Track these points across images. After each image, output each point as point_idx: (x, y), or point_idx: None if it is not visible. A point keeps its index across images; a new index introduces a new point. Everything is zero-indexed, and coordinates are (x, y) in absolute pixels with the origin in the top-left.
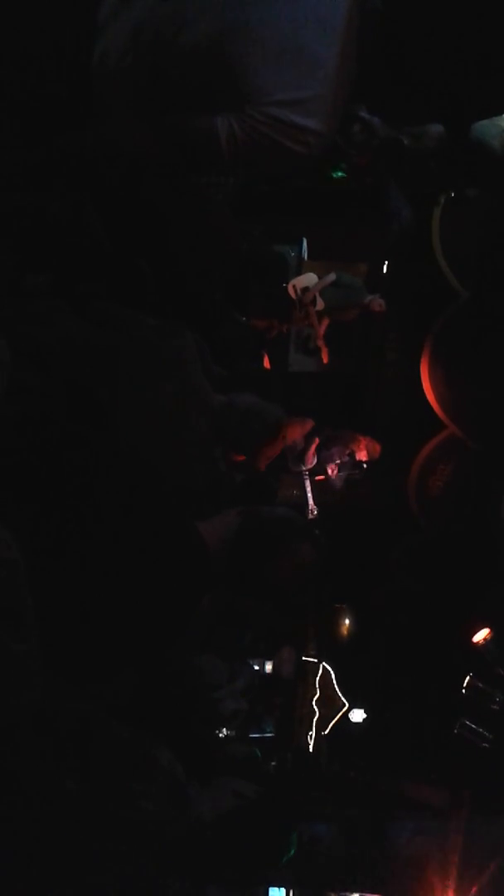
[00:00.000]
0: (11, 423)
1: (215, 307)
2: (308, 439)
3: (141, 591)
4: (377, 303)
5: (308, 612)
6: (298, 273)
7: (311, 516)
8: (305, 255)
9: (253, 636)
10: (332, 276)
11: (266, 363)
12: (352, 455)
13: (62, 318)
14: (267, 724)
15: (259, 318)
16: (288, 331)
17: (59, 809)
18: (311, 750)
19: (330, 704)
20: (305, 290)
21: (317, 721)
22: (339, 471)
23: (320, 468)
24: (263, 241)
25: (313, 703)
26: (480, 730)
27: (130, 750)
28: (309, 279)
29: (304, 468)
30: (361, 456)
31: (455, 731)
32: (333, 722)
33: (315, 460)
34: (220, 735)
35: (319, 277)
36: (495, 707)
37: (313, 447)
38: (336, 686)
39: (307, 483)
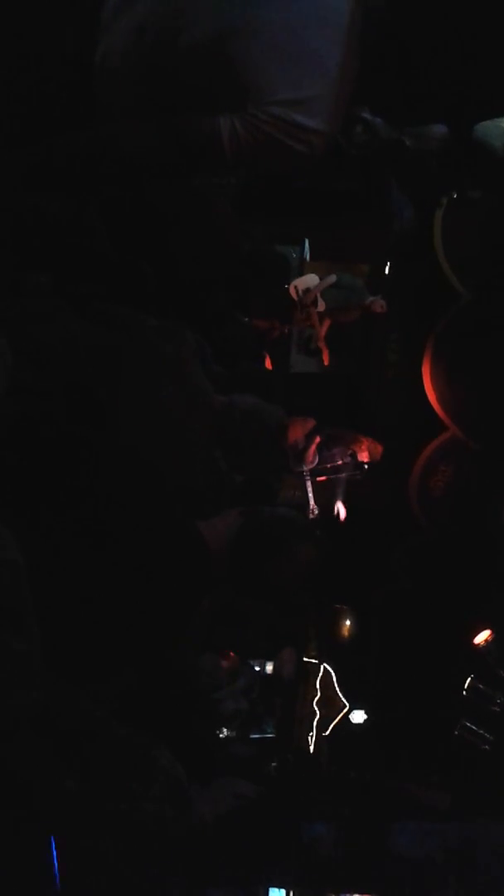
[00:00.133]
0: (12, 423)
1: (217, 308)
2: (309, 438)
3: (142, 591)
4: (378, 304)
5: (309, 613)
6: (300, 274)
7: (312, 516)
8: (307, 256)
9: (254, 636)
10: (332, 278)
11: (268, 364)
12: (353, 456)
13: (63, 318)
14: (267, 724)
15: (260, 319)
16: (289, 331)
17: (59, 809)
18: (311, 751)
19: (331, 705)
20: (307, 291)
21: (317, 722)
22: (341, 471)
23: (322, 468)
24: (265, 241)
25: (314, 703)
26: (481, 731)
27: (131, 750)
28: (310, 280)
29: (304, 468)
30: (363, 457)
31: (456, 732)
32: (334, 723)
33: (316, 459)
34: (221, 735)
35: (321, 278)
36: (496, 709)
37: (314, 445)
38: (337, 687)
39: (308, 483)
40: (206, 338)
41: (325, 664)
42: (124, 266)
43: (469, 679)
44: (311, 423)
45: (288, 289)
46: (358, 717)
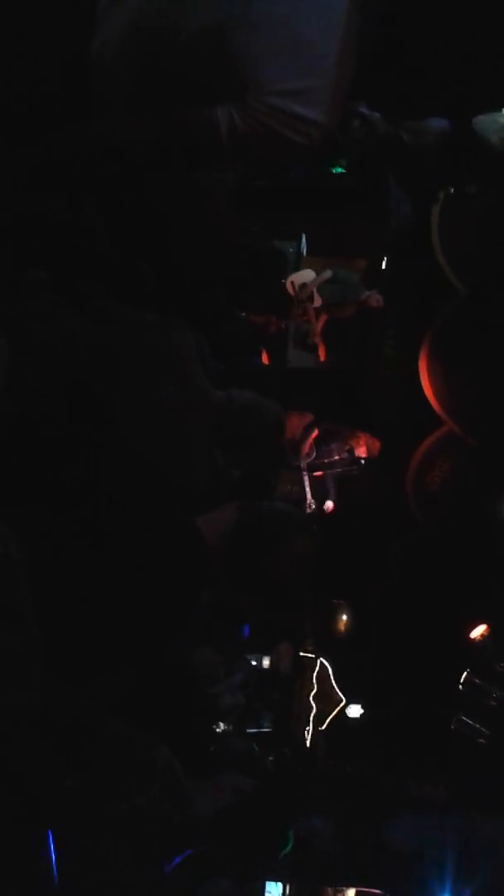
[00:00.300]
0: (12, 422)
1: (215, 303)
2: (306, 431)
3: (140, 587)
4: (375, 298)
5: (306, 608)
6: (297, 269)
7: (308, 511)
8: (304, 251)
9: (250, 631)
10: (328, 273)
11: (265, 359)
12: (350, 451)
13: (63, 317)
14: (264, 719)
15: (257, 314)
16: (286, 327)
17: (58, 808)
18: (308, 745)
19: (327, 700)
20: (303, 286)
21: (314, 716)
22: (337, 467)
23: (319, 463)
24: (262, 237)
25: (311, 698)
26: (477, 725)
27: (130, 750)
28: (306, 275)
29: (302, 462)
30: (361, 452)
31: (452, 726)
32: (331, 717)
33: (313, 453)
34: (218, 730)
35: (317, 273)
36: (492, 703)
37: (310, 439)
38: (333, 682)
39: (305, 478)
40: (204, 334)
41: (322, 659)
42: (123, 265)
43: (465, 673)
44: (308, 418)
45: (284, 284)
46: (354, 711)
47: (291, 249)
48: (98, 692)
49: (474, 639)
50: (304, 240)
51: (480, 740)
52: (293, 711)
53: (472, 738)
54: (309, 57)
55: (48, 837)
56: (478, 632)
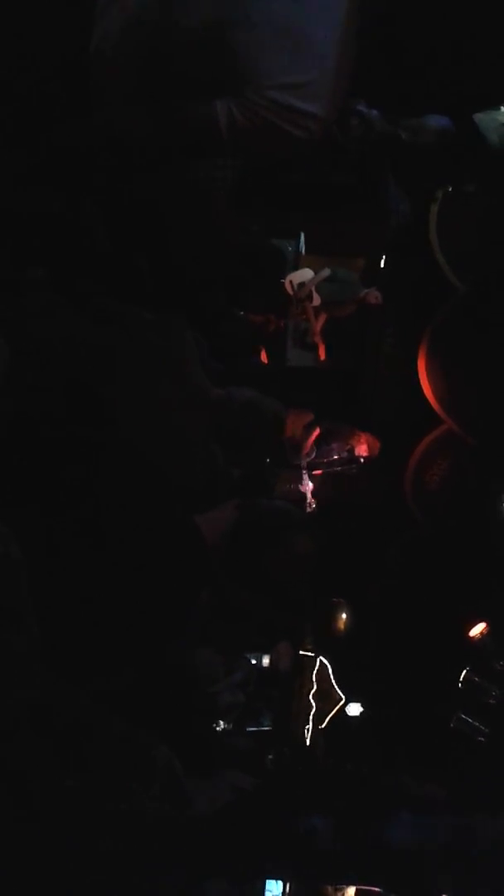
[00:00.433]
0: (11, 421)
1: (214, 303)
2: (308, 430)
3: (140, 586)
4: (373, 295)
5: (305, 607)
6: (296, 268)
7: (308, 510)
8: (303, 250)
9: (250, 630)
10: (326, 271)
11: (264, 358)
12: (351, 451)
13: (62, 317)
14: (264, 717)
15: (256, 313)
16: (285, 325)
17: (58, 808)
18: (308, 744)
19: (327, 698)
20: (301, 285)
21: (314, 715)
22: (337, 465)
23: (319, 462)
24: (261, 235)
25: (310, 697)
26: (477, 724)
27: (130, 750)
28: (304, 274)
29: (302, 461)
30: (361, 451)
31: (451, 725)
32: (330, 716)
33: (314, 452)
34: (218, 729)
35: (316, 272)
36: (492, 701)
37: (311, 438)
38: (333, 680)
39: (305, 477)
40: (204, 334)
41: (322, 657)
42: (121, 261)
43: (465, 672)
44: (309, 416)
45: (283, 283)
46: (354, 710)
47: (290, 248)
48: (98, 692)
49: (474, 637)
50: (302, 238)
51: (480, 739)
52: (293, 710)
53: (471, 736)
54: (308, 51)
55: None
56: (477, 630)
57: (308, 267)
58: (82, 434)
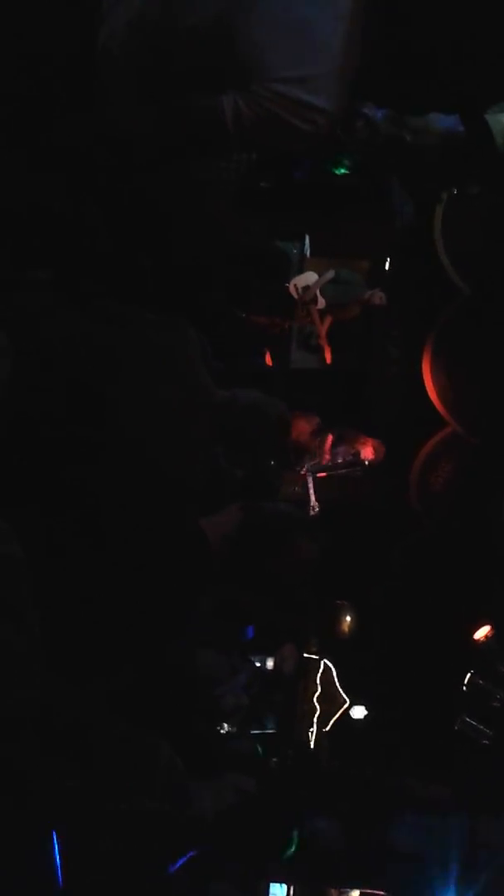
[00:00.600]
0: (13, 421)
1: (217, 305)
2: (321, 435)
3: (143, 587)
4: (378, 296)
5: (310, 609)
6: (301, 270)
7: (313, 513)
8: (308, 252)
9: (254, 632)
10: (330, 273)
11: (268, 360)
12: (356, 454)
13: (64, 317)
14: (268, 720)
15: (260, 316)
16: (290, 327)
17: (61, 808)
18: (312, 746)
19: (331, 701)
20: (306, 288)
21: (318, 718)
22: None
23: (323, 465)
24: (266, 237)
25: (314, 699)
26: (481, 727)
27: (132, 750)
28: (308, 278)
29: (307, 464)
30: (367, 454)
31: (456, 727)
32: (335, 718)
33: (329, 457)
34: (221, 731)
35: (320, 275)
36: (496, 704)
37: (328, 443)
38: (337, 683)
39: (309, 480)
40: (206, 334)
41: (326, 660)
42: (124, 261)
43: (469, 675)
44: (314, 420)
45: (288, 287)
46: (358, 712)
47: (295, 250)
48: (98, 692)
49: (478, 640)
50: (307, 240)
51: (484, 741)
52: (297, 712)
53: (475, 739)
54: (314, 44)
55: (52, 838)
56: (482, 633)
57: (313, 269)
58: (83, 434)
